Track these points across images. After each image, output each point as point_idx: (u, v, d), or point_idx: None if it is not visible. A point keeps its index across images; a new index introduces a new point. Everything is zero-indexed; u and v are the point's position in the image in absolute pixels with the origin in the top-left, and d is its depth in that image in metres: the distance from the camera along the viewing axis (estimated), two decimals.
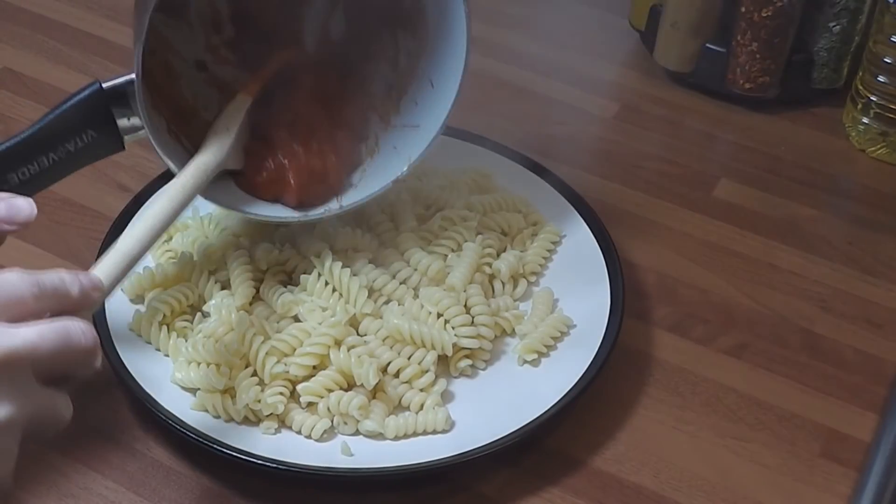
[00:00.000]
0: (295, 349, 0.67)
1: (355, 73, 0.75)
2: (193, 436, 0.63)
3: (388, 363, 0.67)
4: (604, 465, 0.66)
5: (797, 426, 0.69)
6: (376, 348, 0.68)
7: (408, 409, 0.67)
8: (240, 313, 0.68)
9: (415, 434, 0.65)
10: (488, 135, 0.81)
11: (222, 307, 0.69)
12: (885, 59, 0.86)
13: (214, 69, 0.74)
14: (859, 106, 0.89)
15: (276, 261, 0.72)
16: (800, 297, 0.78)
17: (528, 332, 0.70)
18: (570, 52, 1.01)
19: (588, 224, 0.77)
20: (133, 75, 0.63)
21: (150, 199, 0.62)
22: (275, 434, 0.65)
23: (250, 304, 0.70)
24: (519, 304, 0.74)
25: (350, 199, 0.72)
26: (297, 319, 0.69)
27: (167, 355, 0.69)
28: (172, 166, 0.66)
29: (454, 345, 0.68)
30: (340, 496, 0.65)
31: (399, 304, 0.70)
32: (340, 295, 0.70)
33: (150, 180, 0.78)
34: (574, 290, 0.74)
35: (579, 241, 0.76)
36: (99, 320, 0.68)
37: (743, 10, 0.90)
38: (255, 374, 0.66)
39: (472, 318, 0.70)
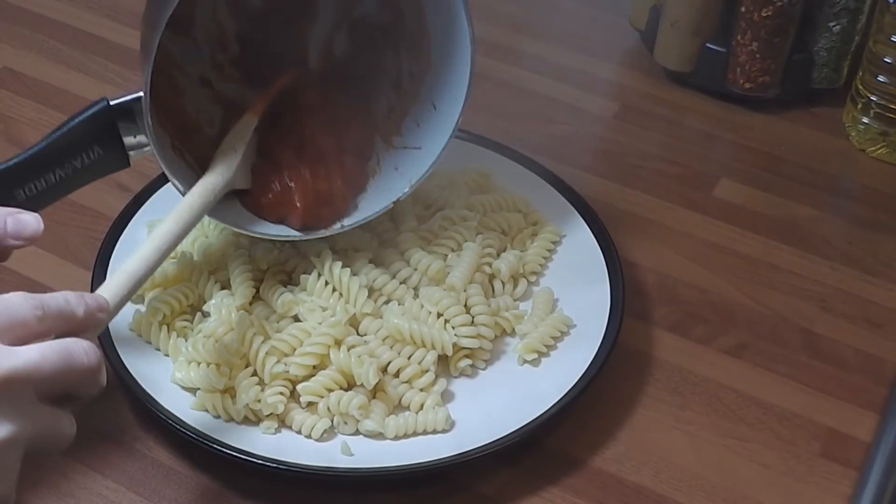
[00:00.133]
0: (295, 349, 0.67)
1: (359, 94, 0.75)
2: (193, 436, 0.63)
3: (388, 363, 0.67)
4: (604, 464, 0.66)
5: (797, 426, 0.69)
6: (376, 348, 0.68)
7: (408, 408, 0.67)
8: (240, 313, 0.68)
9: (415, 434, 0.65)
10: (488, 135, 0.81)
11: (222, 307, 0.69)
12: (885, 59, 0.86)
13: (218, 86, 0.74)
14: (859, 106, 0.89)
15: (276, 261, 0.72)
16: (800, 297, 0.78)
17: (528, 332, 0.70)
18: (570, 52, 1.01)
19: (588, 224, 0.77)
20: (140, 93, 0.63)
21: (160, 221, 0.62)
22: (275, 434, 0.65)
23: (250, 304, 0.70)
24: (519, 303, 0.74)
25: (352, 219, 0.72)
26: (297, 319, 0.69)
27: (167, 355, 0.69)
28: (176, 182, 0.66)
29: (454, 344, 0.68)
30: (340, 496, 0.65)
31: (399, 304, 0.70)
32: (340, 295, 0.70)
33: (150, 180, 0.78)
34: (574, 290, 0.74)
35: (579, 241, 0.76)
36: None
37: (743, 9, 0.90)
38: (255, 373, 0.66)
39: (472, 317, 0.70)
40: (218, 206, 0.67)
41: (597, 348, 0.68)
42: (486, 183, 0.80)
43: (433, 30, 0.71)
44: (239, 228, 0.70)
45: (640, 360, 0.73)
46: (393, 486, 0.65)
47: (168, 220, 0.62)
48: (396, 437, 0.65)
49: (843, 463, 0.67)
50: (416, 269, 0.72)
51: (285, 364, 0.66)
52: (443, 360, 0.69)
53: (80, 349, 0.49)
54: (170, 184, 0.77)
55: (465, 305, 0.70)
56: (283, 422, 0.66)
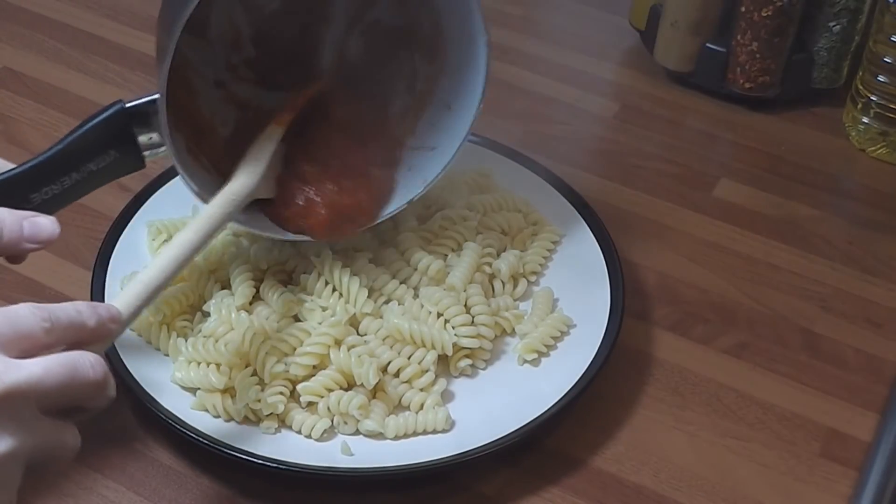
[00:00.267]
0: (295, 349, 0.67)
1: (374, 96, 0.75)
2: (193, 436, 0.63)
3: (388, 363, 0.67)
4: (604, 464, 0.66)
5: (797, 426, 0.69)
6: (376, 348, 0.68)
7: (408, 408, 0.67)
8: (240, 313, 0.68)
9: (415, 434, 0.65)
10: (488, 135, 0.81)
11: (222, 307, 0.69)
12: (885, 59, 0.86)
13: (233, 87, 0.74)
14: (859, 105, 0.89)
15: (276, 261, 0.72)
16: (800, 297, 0.78)
17: (528, 332, 0.70)
18: (570, 52, 1.01)
19: (588, 224, 0.77)
20: (155, 95, 0.63)
21: (180, 231, 0.62)
22: (275, 434, 0.65)
23: (250, 304, 0.70)
24: (519, 303, 0.74)
25: None
26: (297, 319, 0.69)
27: (167, 355, 0.69)
28: (192, 185, 0.66)
29: (454, 344, 0.68)
30: (340, 496, 0.65)
31: (399, 304, 0.70)
32: (340, 295, 0.70)
33: (150, 180, 0.78)
34: (574, 290, 0.74)
35: (579, 241, 0.76)
36: None
37: (743, 9, 0.90)
38: (255, 373, 0.66)
39: (472, 317, 0.70)
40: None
41: (597, 348, 0.68)
42: (486, 183, 0.80)
43: (448, 31, 0.71)
44: (259, 232, 0.69)
45: (640, 360, 0.73)
46: (393, 486, 0.65)
47: (188, 230, 0.61)
48: (396, 437, 0.65)
49: (843, 463, 0.67)
50: (416, 269, 0.72)
51: (285, 364, 0.66)
52: (443, 360, 0.69)
53: (86, 362, 0.48)
54: (170, 184, 0.78)
55: (465, 305, 0.70)
56: (283, 422, 0.66)
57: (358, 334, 0.69)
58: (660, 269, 0.79)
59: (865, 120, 0.89)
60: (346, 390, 0.66)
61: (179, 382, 0.67)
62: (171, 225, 0.75)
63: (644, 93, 0.97)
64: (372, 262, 0.72)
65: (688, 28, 0.93)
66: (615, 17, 1.03)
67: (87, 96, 0.93)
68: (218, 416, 0.65)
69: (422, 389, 0.67)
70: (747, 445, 0.68)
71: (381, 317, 0.69)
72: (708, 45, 0.93)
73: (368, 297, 0.69)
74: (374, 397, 0.67)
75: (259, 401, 0.65)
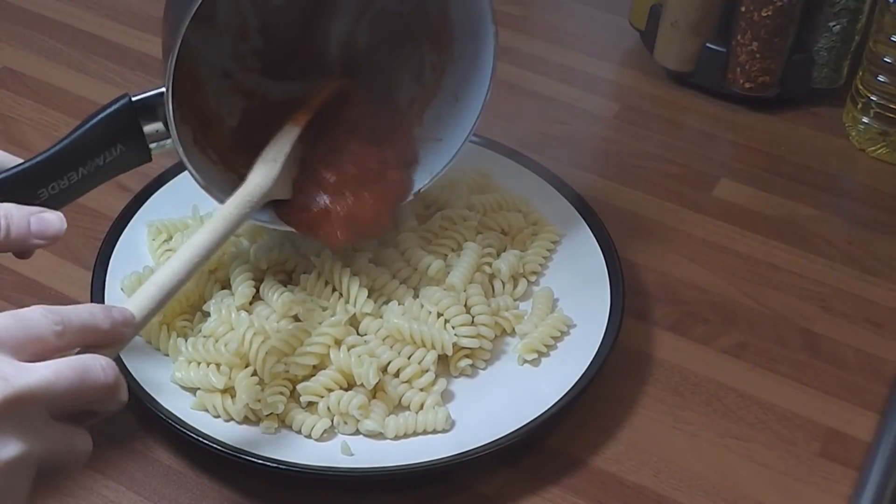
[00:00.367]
0: (295, 349, 0.67)
1: (386, 92, 0.74)
2: (193, 436, 0.63)
3: (388, 363, 0.67)
4: (604, 464, 0.66)
5: (797, 426, 0.69)
6: (376, 348, 0.68)
7: (408, 408, 0.67)
8: (240, 313, 0.68)
9: (415, 434, 0.65)
10: (488, 135, 0.81)
11: (222, 307, 0.69)
12: (885, 59, 0.86)
13: (239, 77, 0.73)
14: (859, 105, 0.89)
15: (276, 260, 0.72)
16: (800, 297, 0.78)
17: (528, 332, 0.70)
18: (570, 52, 1.01)
19: (588, 224, 0.77)
20: (162, 89, 0.63)
21: (195, 231, 0.62)
22: (275, 434, 0.65)
23: (250, 304, 0.70)
24: (519, 303, 0.74)
25: None
26: (297, 319, 0.69)
27: (167, 355, 0.69)
28: (198, 178, 0.66)
29: (454, 344, 0.68)
30: (340, 496, 0.65)
31: (399, 304, 0.70)
32: (340, 295, 0.70)
33: (150, 180, 0.78)
34: (574, 290, 0.74)
35: (579, 241, 0.76)
36: None
37: (743, 9, 0.90)
38: (255, 373, 0.66)
39: (473, 317, 0.70)
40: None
41: (597, 348, 0.68)
42: (486, 183, 0.80)
43: (456, 20, 0.71)
44: (274, 226, 0.69)
45: (640, 360, 0.73)
46: (393, 486, 0.65)
47: (203, 231, 0.61)
48: (396, 437, 0.65)
49: (843, 463, 0.67)
50: (416, 269, 0.72)
51: (285, 364, 0.66)
52: (443, 359, 0.69)
53: (98, 366, 0.48)
54: (170, 184, 0.78)
55: (465, 305, 0.70)
56: (283, 422, 0.66)
57: (358, 334, 0.69)
58: (660, 269, 0.79)
59: (865, 120, 0.89)
60: (346, 390, 0.66)
61: (179, 382, 0.67)
62: (171, 225, 0.75)
63: (644, 93, 0.97)
64: (372, 262, 0.72)
65: (688, 28, 0.93)
66: (615, 17, 1.03)
67: (87, 96, 0.93)
68: (218, 416, 0.65)
69: (422, 389, 0.67)
70: (747, 445, 0.68)
71: (381, 317, 0.69)
72: (708, 45, 0.93)
73: (368, 297, 0.69)
74: (374, 397, 0.67)
75: (259, 401, 0.65)
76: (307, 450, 0.64)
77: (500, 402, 0.67)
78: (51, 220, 0.53)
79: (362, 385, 0.66)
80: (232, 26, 0.73)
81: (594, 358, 0.68)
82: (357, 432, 0.66)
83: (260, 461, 0.62)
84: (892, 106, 0.87)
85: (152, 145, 0.65)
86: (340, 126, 0.71)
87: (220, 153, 0.70)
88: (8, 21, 1.02)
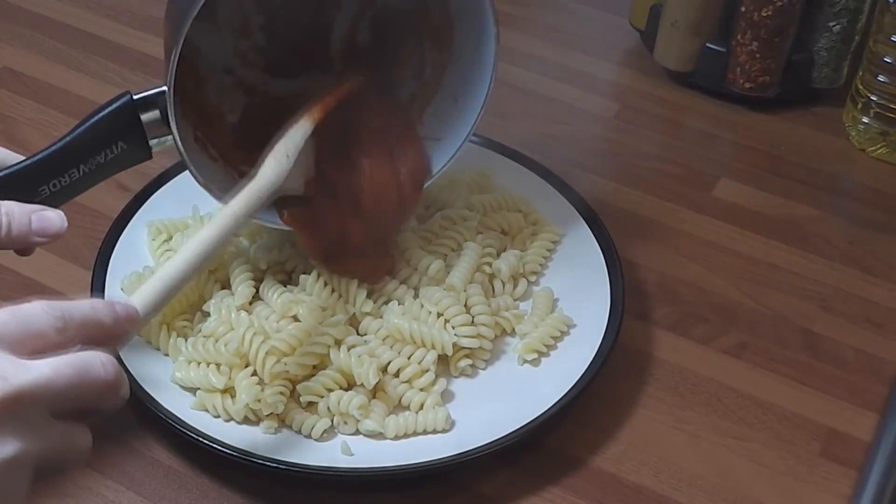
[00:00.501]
0: (295, 349, 0.67)
1: (382, 82, 0.74)
2: (193, 436, 0.63)
3: (388, 363, 0.67)
4: (604, 464, 0.66)
5: (797, 426, 0.69)
6: (376, 348, 0.68)
7: (408, 408, 0.67)
8: (240, 313, 0.68)
9: (415, 434, 0.65)
10: (488, 135, 0.81)
11: (222, 307, 0.69)
12: (885, 59, 0.86)
13: (241, 73, 0.73)
14: (859, 105, 0.89)
15: (276, 260, 0.72)
16: (800, 297, 0.78)
17: (529, 332, 0.70)
18: (570, 52, 1.01)
19: (588, 224, 0.77)
20: (163, 87, 0.63)
21: (203, 226, 0.61)
22: (275, 434, 0.65)
23: (250, 304, 0.70)
24: (519, 303, 0.74)
25: None
26: (296, 319, 0.69)
27: (167, 355, 0.69)
28: (198, 176, 0.66)
29: (454, 344, 0.68)
30: (340, 496, 0.65)
31: (399, 304, 0.70)
32: (340, 295, 0.70)
33: (150, 180, 0.78)
34: (574, 290, 0.74)
35: (579, 241, 0.76)
36: None
37: (743, 9, 0.90)
38: (255, 373, 0.66)
39: (473, 317, 0.70)
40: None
41: (597, 348, 0.68)
42: (486, 183, 0.80)
43: (457, 19, 0.71)
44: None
45: (640, 360, 0.73)
46: (393, 486, 0.65)
47: (210, 226, 0.60)
48: (396, 437, 0.65)
49: (843, 463, 0.67)
50: (416, 269, 0.72)
51: (285, 364, 0.66)
52: (443, 359, 0.69)
53: (98, 363, 0.47)
54: (170, 184, 0.78)
55: (465, 305, 0.70)
56: (283, 422, 0.66)
57: (358, 334, 0.69)
58: (660, 269, 0.79)
59: (865, 120, 0.89)
60: (346, 390, 0.66)
61: (179, 382, 0.67)
62: (171, 225, 0.75)
63: (644, 93, 0.97)
64: None
65: (688, 28, 0.93)
66: (615, 17, 1.03)
67: (87, 96, 0.93)
68: (218, 416, 0.65)
69: (422, 389, 0.67)
70: (747, 445, 0.68)
71: (381, 317, 0.69)
72: (708, 45, 0.93)
73: (368, 297, 0.69)
74: (374, 397, 0.67)
75: (259, 401, 0.65)
76: (307, 450, 0.64)
77: (500, 402, 0.67)
78: (52, 218, 0.53)
79: (362, 385, 0.66)
80: (234, 23, 0.73)
81: (594, 358, 0.68)
82: (357, 432, 0.66)
83: (260, 461, 0.62)
84: (892, 106, 0.87)
85: (153, 142, 0.65)
86: (351, 141, 0.71)
87: (221, 150, 0.70)
88: (8, 21, 1.02)
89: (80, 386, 0.46)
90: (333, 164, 0.69)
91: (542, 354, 0.70)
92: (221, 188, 0.66)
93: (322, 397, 0.65)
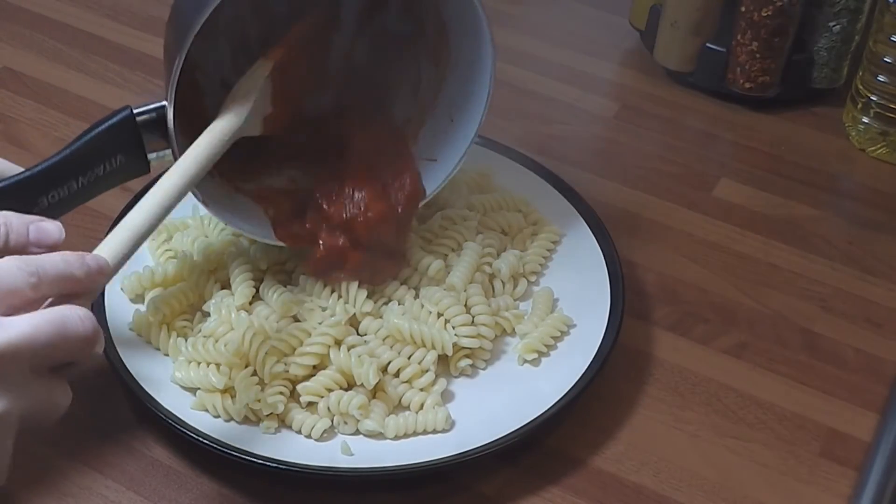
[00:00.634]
0: (295, 349, 0.67)
1: (378, 101, 0.74)
2: (193, 436, 0.63)
3: (389, 363, 0.67)
4: (604, 464, 0.66)
5: (797, 426, 0.69)
6: (376, 348, 0.68)
7: (408, 408, 0.67)
8: (240, 313, 0.68)
9: (415, 433, 0.65)
10: (488, 135, 0.81)
11: (222, 307, 0.69)
12: (885, 59, 0.86)
13: None
14: (859, 105, 0.89)
15: (276, 261, 0.72)
16: (800, 297, 0.78)
17: (529, 332, 0.70)
18: (570, 52, 1.01)
19: (588, 224, 0.77)
20: (163, 102, 0.64)
21: (166, 173, 0.61)
22: (275, 434, 0.65)
23: (250, 303, 0.70)
24: (519, 303, 0.74)
25: None
26: (296, 319, 0.69)
27: (167, 355, 0.69)
28: (196, 192, 0.66)
29: (454, 344, 0.68)
30: (340, 496, 0.65)
31: (399, 304, 0.70)
32: (340, 295, 0.70)
33: (150, 180, 0.78)
34: (574, 290, 0.74)
35: (579, 241, 0.76)
36: (99, 320, 0.67)
37: (743, 9, 0.90)
38: (255, 373, 0.66)
39: (473, 317, 0.70)
40: (233, 211, 0.68)
41: (597, 348, 0.68)
42: (486, 183, 0.80)
43: (454, 43, 0.71)
44: (248, 232, 0.70)
45: (640, 360, 0.73)
46: (393, 486, 0.65)
47: (173, 173, 0.60)
48: (396, 437, 0.65)
49: (843, 463, 0.67)
50: (416, 269, 0.72)
51: (285, 364, 0.66)
52: (443, 359, 0.69)
53: (76, 317, 0.48)
54: None
55: (466, 305, 0.70)
56: (283, 422, 0.66)
57: (358, 334, 0.69)
58: (660, 269, 0.79)
59: (865, 120, 0.89)
60: (346, 390, 0.66)
61: (179, 382, 0.67)
62: (171, 225, 0.75)
63: (644, 93, 0.97)
64: None
65: (688, 28, 0.93)
66: (615, 17, 1.03)
67: (87, 96, 0.93)
68: (218, 416, 0.65)
69: (422, 389, 0.67)
70: (747, 445, 0.68)
71: (381, 317, 0.69)
72: (708, 45, 0.93)
73: (368, 297, 0.69)
74: (374, 397, 0.67)
75: (259, 401, 0.65)
76: (307, 450, 0.64)
77: (500, 402, 0.67)
78: (49, 229, 0.53)
79: (362, 385, 0.66)
80: (233, 37, 0.73)
81: (594, 358, 0.68)
82: (357, 432, 0.66)
83: (260, 461, 0.62)
84: (892, 106, 0.87)
85: (151, 156, 0.66)
86: (346, 166, 0.71)
87: (219, 166, 0.70)
88: (8, 21, 1.02)
89: (59, 341, 0.47)
90: (327, 193, 0.70)
91: (542, 354, 0.70)
92: (219, 204, 0.67)
93: (322, 397, 0.65)
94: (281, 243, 0.70)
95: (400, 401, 0.67)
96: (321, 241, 0.69)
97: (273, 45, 0.70)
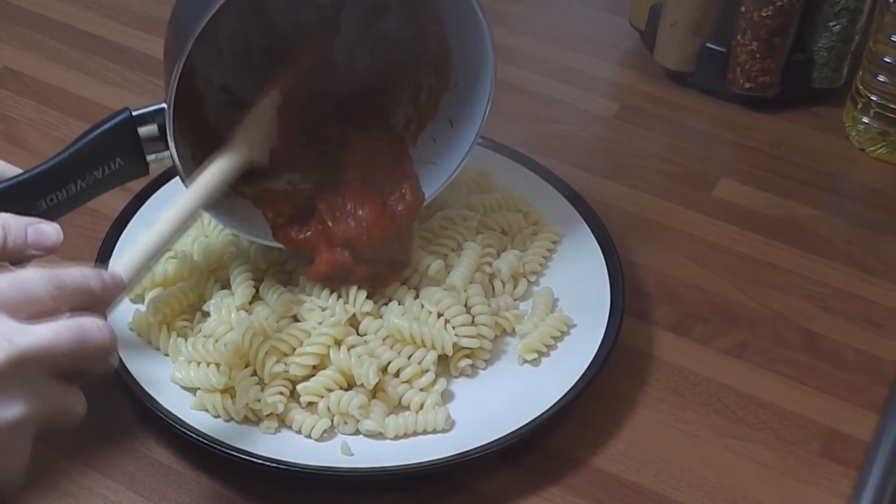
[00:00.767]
0: (295, 349, 0.67)
1: (379, 106, 0.74)
2: (193, 436, 0.63)
3: (389, 363, 0.67)
4: (604, 464, 0.66)
5: (797, 426, 0.69)
6: (376, 348, 0.68)
7: (408, 408, 0.67)
8: (240, 313, 0.68)
9: (415, 434, 0.65)
10: (488, 135, 0.81)
11: (222, 307, 0.69)
12: (885, 59, 0.86)
13: (239, 92, 0.73)
14: (859, 105, 0.89)
15: (276, 261, 0.72)
16: (800, 297, 0.78)
17: (529, 332, 0.70)
18: (570, 52, 1.01)
19: (588, 224, 0.77)
20: (162, 104, 0.64)
21: (176, 195, 0.62)
22: (275, 434, 0.65)
23: (250, 303, 0.70)
24: (519, 303, 0.74)
25: None
26: (296, 319, 0.69)
27: (167, 355, 0.69)
28: None
29: (454, 344, 0.68)
30: (340, 496, 0.65)
31: (399, 304, 0.70)
32: (340, 295, 0.70)
33: (150, 180, 0.78)
34: (574, 290, 0.74)
35: (579, 241, 0.76)
36: None
37: (743, 9, 0.90)
38: (255, 373, 0.66)
39: (473, 317, 0.70)
40: (231, 213, 0.68)
41: (597, 348, 0.68)
42: (486, 183, 0.80)
43: (455, 48, 0.71)
44: (246, 234, 0.70)
45: (640, 360, 0.73)
46: (393, 486, 0.65)
47: (186, 195, 0.62)
48: (396, 437, 0.65)
49: (843, 463, 0.67)
50: (416, 269, 0.72)
51: (285, 364, 0.66)
52: (443, 360, 0.69)
53: (95, 327, 0.49)
54: (170, 184, 0.78)
55: (466, 305, 0.70)
56: (283, 422, 0.66)
57: (358, 334, 0.69)
58: (660, 269, 0.79)
59: (865, 120, 0.89)
60: (346, 390, 0.66)
61: (179, 382, 0.67)
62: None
63: (644, 93, 0.97)
64: None
65: (688, 28, 0.93)
66: (615, 17, 1.03)
67: (87, 96, 0.93)
68: (218, 416, 0.65)
69: (422, 389, 0.67)
70: (747, 445, 0.68)
71: (381, 317, 0.69)
72: (708, 45, 0.93)
73: (368, 297, 0.69)
74: (374, 397, 0.67)
75: (259, 401, 0.65)
76: (307, 450, 0.64)
77: (500, 402, 0.67)
78: (48, 231, 0.54)
79: (362, 385, 0.66)
80: (234, 42, 0.73)
81: (594, 358, 0.68)
82: (357, 432, 0.66)
83: (260, 461, 0.62)
84: (892, 106, 0.87)
85: (150, 158, 0.66)
86: (348, 165, 0.72)
87: None
88: (8, 21, 1.02)
89: (79, 350, 0.48)
90: (328, 209, 0.70)
91: (542, 354, 0.70)
92: (218, 206, 0.67)
93: (322, 397, 0.65)
94: (280, 245, 0.70)
95: (400, 401, 0.67)
96: (325, 259, 0.69)
97: (278, 67, 0.70)
